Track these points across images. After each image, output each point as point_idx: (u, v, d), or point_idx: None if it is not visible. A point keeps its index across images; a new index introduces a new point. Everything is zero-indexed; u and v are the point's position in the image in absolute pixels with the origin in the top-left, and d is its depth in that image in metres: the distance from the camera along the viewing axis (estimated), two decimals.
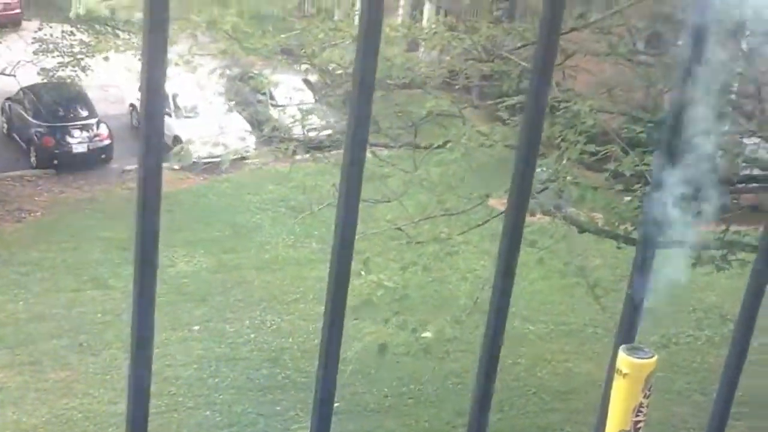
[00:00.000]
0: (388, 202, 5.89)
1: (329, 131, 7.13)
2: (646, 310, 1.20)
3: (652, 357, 0.74)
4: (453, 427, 7.63)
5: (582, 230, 5.79)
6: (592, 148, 5.64)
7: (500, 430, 7.84)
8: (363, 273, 5.73)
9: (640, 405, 0.72)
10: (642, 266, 1.11)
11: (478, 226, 5.95)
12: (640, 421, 0.72)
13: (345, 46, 5.86)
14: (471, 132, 5.52)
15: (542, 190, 6.47)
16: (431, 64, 5.94)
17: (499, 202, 7.30)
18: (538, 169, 6.55)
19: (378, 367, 8.55)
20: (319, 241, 9.66)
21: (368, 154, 6.37)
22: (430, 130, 6.13)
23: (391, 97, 6.16)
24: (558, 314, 9.57)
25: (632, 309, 1.14)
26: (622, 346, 0.75)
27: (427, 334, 5.44)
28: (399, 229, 5.74)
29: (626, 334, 1.14)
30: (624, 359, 0.73)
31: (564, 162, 5.42)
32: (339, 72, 6.15)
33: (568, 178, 5.68)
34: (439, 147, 5.69)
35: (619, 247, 6.61)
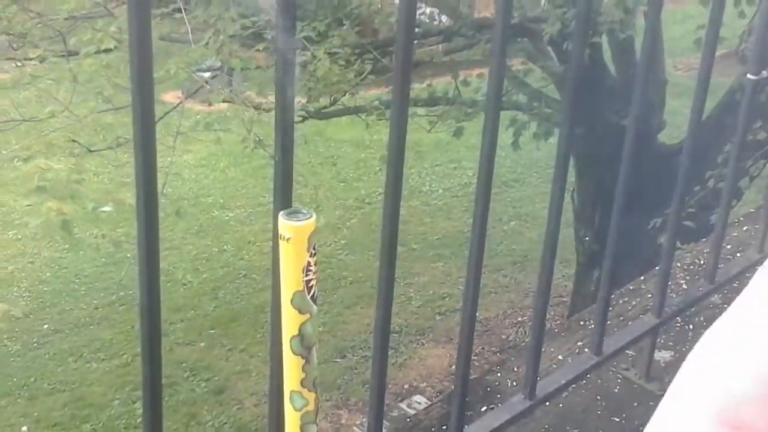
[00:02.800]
0: (53, 117, 5.66)
1: None
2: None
3: (311, 218, 0.75)
4: (171, 324, 7.66)
5: (258, 109, 5.88)
6: (247, 22, 5.70)
7: (220, 316, 7.98)
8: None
9: (308, 264, 0.74)
10: (281, 130, 1.19)
11: (156, 123, 5.86)
12: (311, 280, 0.75)
13: None
14: (121, 25, 5.37)
15: (214, 77, 6.49)
16: None
17: (173, 96, 7.22)
18: (206, 61, 6.55)
19: (84, 284, 8.35)
20: None
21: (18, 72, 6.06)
22: (83, 32, 5.88)
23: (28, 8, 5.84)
24: (254, 197, 9.74)
25: (284, 174, 1.23)
26: (281, 213, 0.77)
27: (107, 209, 5.29)
28: (75, 141, 5.54)
29: (282, 199, 1.24)
30: (284, 224, 0.74)
31: (223, 40, 5.43)
32: None
33: (235, 60, 5.73)
34: (97, 49, 5.49)
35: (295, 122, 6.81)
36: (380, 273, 1.46)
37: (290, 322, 0.75)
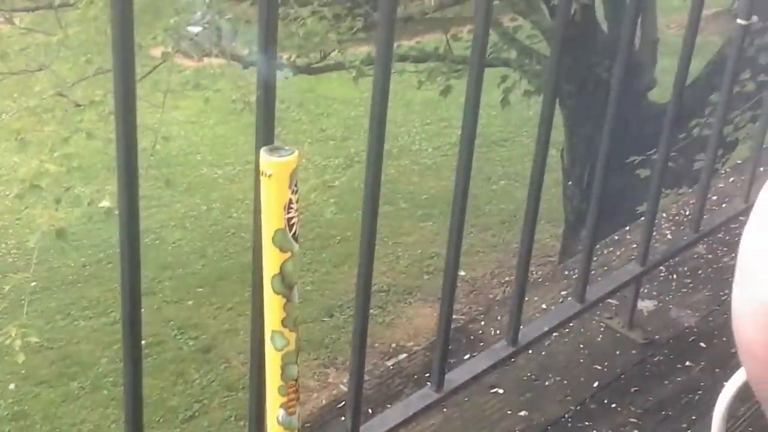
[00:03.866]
0: (39, 70, 5.60)
1: None
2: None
3: (293, 154, 0.74)
4: (159, 282, 7.65)
5: (246, 66, 5.82)
6: None
7: (208, 275, 7.97)
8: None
9: (290, 202, 0.74)
10: (264, 65, 1.17)
11: (142, 78, 5.81)
12: (292, 217, 0.75)
13: None
14: None
15: (203, 31, 6.42)
16: None
17: (162, 51, 7.13)
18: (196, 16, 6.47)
19: (72, 240, 8.31)
20: None
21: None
22: None
23: None
24: (242, 154, 9.67)
25: (266, 110, 1.20)
26: (263, 149, 0.74)
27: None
28: (61, 94, 5.47)
29: (265, 136, 1.22)
30: (266, 160, 0.72)
31: None
32: None
33: (227, 15, 5.67)
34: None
35: (286, 77, 6.78)
36: (362, 232, 1.44)
37: (272, 260, 0.74)
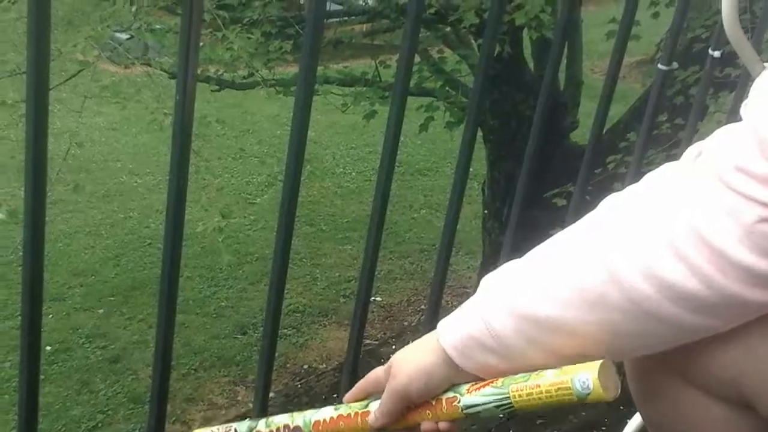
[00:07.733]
0: None
1: None
2: None
3: None
4: (69, 288, 7.49)
5: (171, 76, 5.76)
6: None
7: (120, 284, 7.83)
8: None
9: None
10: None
11: (62, 83, 5.72)
12: None
13: None
14: None
15: (130, 38, 6.35)
16: None
17: (90, 56, 7.01)
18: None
19: None
20: None
21: None
22: None
23: None
24: (164, 165, 9.53)
25: (183, 120, 1.19)
26: None
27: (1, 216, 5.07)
28: None
29: (181, 143, 1.21)
30: None
31: (141, 7, 5.31)
32: None
33: (151, 25, 5.62)
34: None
35: (213, 90, 6.74)
36: (275, 248, 1.43)
37: None
